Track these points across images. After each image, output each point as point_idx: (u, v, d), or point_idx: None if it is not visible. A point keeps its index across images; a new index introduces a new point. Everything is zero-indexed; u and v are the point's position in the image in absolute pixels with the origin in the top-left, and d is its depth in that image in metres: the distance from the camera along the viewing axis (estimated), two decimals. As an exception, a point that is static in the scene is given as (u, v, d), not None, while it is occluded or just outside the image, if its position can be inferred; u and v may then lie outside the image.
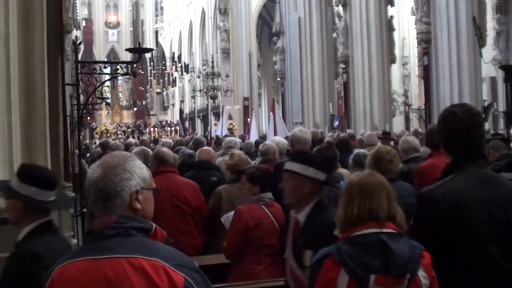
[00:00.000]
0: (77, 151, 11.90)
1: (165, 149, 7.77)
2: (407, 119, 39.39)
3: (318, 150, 6.35)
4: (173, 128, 46.90)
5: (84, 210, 9.00)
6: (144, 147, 10.29)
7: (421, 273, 3.14)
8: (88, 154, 17.76)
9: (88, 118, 39.66)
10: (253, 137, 19.17)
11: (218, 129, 23.27)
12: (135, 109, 65.51)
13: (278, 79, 33.29)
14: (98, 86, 8.67)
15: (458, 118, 3.61)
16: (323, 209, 4.42)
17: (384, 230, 3.18)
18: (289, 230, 4.74)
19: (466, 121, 3.57)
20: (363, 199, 3.27)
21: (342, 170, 7.85)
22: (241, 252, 5.65)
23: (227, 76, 38.83)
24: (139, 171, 2.58)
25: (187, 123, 40.84)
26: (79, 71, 8.45)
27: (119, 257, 2.37)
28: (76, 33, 26.83)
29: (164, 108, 68.31)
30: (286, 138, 10.59)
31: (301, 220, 4.45)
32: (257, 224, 5.63)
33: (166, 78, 57.27)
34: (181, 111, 44.01)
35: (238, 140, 11.85)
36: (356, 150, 7.86)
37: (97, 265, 2.37)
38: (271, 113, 17.56)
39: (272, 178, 5.99)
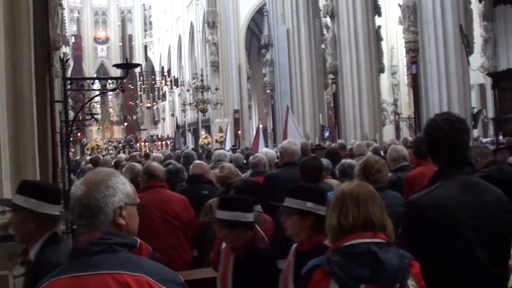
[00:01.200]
0: (67, 167, 11.86)
1: (155, 163, 7.74)
2: (397, 128, 39.52)
3: (304, 161, 6.35)
4: (163, 142, 46.90)
5: (75, 227, 8.96)
6: (132, 163, 10.27)
7: (410, 283, 3.13)
8: (79, 170, 17.71)
9: (79, 134, 39.58)
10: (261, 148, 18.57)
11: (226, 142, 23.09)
12: (125, 124, 65.46)
13: (268, 91, 33.33)
14: (86, 103, 8.67)
15: (438, 126, 3.65)
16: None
17: (374, 240, 3.18)
18: None
19: (445, 128, 3.61)
20: (356, 209, 3.26)
21: (332, 181, 7.85)
22: None
23: (216, 89, 38.90)
24: (122, 187, 2.58)
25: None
26: (67, 88, 8.44)
27: (103, 273, 2.36)
28: (65, 49, 26.83)
29: (155, 123, 68.36)
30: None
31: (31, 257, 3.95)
32: None
33: (156, 93, 57.25)
34: (178, 126, 44.02)
35: (228, 153, 11.87)
36: (342, 161, 7.89)
37: (82, 282, 2.36)
38: (285, 120, 17.48)
39: (260, 191, 5.98)
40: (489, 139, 21.88)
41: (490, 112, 24.47)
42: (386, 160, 7.66)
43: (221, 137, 38.14)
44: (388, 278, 3.07)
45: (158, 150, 37.75)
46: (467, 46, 18.08)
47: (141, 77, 55.14)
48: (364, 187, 3.40)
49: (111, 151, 43.14)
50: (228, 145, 21.82)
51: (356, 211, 3.25)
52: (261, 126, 16.90)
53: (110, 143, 51.47)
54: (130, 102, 66.18)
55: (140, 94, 61.28)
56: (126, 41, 8.17)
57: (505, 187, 3.91)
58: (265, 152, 9.67)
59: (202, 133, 45.77)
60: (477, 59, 24.62)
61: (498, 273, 3.49)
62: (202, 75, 38.51)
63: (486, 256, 3.43)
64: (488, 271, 3.43)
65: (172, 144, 48.08)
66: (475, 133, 22.78)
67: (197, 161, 9.32)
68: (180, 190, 7.82)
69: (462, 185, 3.56)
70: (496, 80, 16.32)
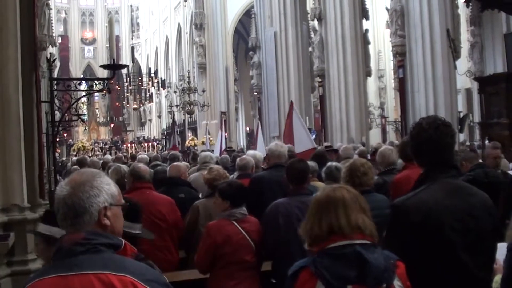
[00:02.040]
0: (53, 168, 11.82)
1: (141, 165, 7.74)
2: (383, 132, 39.60)
3: (291, 163, 6.36)
4: (150, 144, 46.80)
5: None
6: (118, 164, 10.25)
7: (396, 283, 3.14)
8: (64, 171, 17.64)
9: (65, 135, 39.44)
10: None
11: (217, 145, 22.31)
12: (112, 125, 65.32)
13: (255, 93, 33.36)
14: (73, 103, 8.63)
15: (423, 129, 3.67)
16: None
17: (359, 242, 3.19)
18: None
19: (430, 131, 3.64)
20: (334, 212, 3.27)
21: (318, 183, 7.87)
22: (213, 267, 5.64)
23: (203, 91, 38.87)
24: (107, 188, 2.58)
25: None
26: (53, 88, 8.42)
27: (88, 273, 2.36)
28: (52, 50, 26.73)
29: (141, 124, 68.20)
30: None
31: None
32: (226, 240, 5.60)
33: (143, 94, 57.18)
34: (174, 122, 43.73)
35: (214, 155, 11.86)
36: (329, 163, 7.91)
37: (66, 282, 2.36)
38: (287, 116, 15.94)
39: (245, 194, 5.99)
40: (475, 143, 22.00)
41: (476, 117, 24.58)
42: (374, 162, 7.71)
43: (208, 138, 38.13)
44: (375, 278, 3.08)
45: (145, 151, 37.64)
46: (454, 50, 18.16)
47: (128, 79, 55.05)
48: (344, 190, 3.39)
49: (97, 153, 42.99)
50: (219, 148, 21.37)
51: (335, 214, 3.26)
52: (259, 122, 16.53)
53: (96, 144, 51.28)
54: (117, 104, 66.08)
55: (127, 95, 61.20)
56: (113, 42, 8.14)
57: (491, 191, 3.94)
58: (253, 154, 9.67)
59: (189, 135, 45.68)
60: (463, 63, 24.75)
61: (483, 277, 3.51)
62: (189, 77, 38.44)
63: (471, 259, 3.44)
64: (473, 274, 3.45)
65: (159, 145, 48.05)
66: (462, 137, 22.90)
67: (175, 163, 9.31)
68: (159, 191, 7.79)
69: (447, 188, 3.57)
70: (483, 85, 16.39)
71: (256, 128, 16.08)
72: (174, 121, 42.88)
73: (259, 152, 10.76)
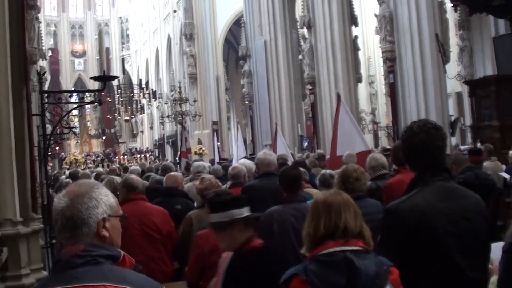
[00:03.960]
0: (45, 182, 11.79)
1: (133, 176, 7.72)
2: (375, 137, 39.73)
3: (284, 170, 6.37)
4: (143, 155, 46.74)
5: (54, 241, 8.89)
6: (112, 176, 10.23)
7: (389, 289, 3.16)
8: (57, 185, 17.60)
9: (57, 148, 39.33)
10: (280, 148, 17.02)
11: (234, 152, 20.75)
12: (104, 137, 65.22)
13: (246, 102, 33.38)
14: (64, 116, 8.63)
15: (414, 133, 3.69)
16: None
17: (351, 248, 3.19)
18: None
19: (421, 134, 3.65)
20: (328, 217, 3.29)
21: (311, 190, 7.89)
22: (204, 277, 5.60)
23: (195, 101, 38.86)
24: (106, 199, 2.58)
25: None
26: (44, 101, 8.40)
27: (87, 286, 2.34)
28: (42, 63, 26.71)
29: (133, 135, 68.08)
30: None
31: None
32: (213, 249, 5.54)
33: (134, 105, 57.12)
34: (183, 128, 43.53)
35: (206, 164, 11.85)
36: (322, 171, 7.93)
37: None
38: (336, 110, 12.98)
39: None
40: (467, 146, 22.04)
41: (468, 120, 24.64)
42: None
43: (200, 149, 38.10)
44: (365, 285, 3.10)
45: (137, 163, 37.57)
46: (443, 55, 18.21)
47: (119, 90, 55.03)
48: (338, 196, 3.42)
49: (89, 165, 42.91)
50: (239, 154, 20.18)
51: (328, 220, 3.28)
52: (278, 127, 15.87)
53: (88, 157, 51.22)
54: (108, 116, 65.96)
55: (118, 107, 61.16)
56: (103, 54, 8.15)
57: (481, 193, 3.95)
58: (243, 162, 9.69)
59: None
60: (453, 67, 24.80)
61: (478, 278, 3.51)
62: (180, 87, 38.43)
63: (466, 261, 3.45)
64: (468, 276, 3.45)
65: (151, 156, 47.93)
66: (453, 140, 22.95)
67: (171, 173, 9.26)
68: (155, 202, 7.77)
69: (440, 191, 3.58)
70: (473, 88, 16.48)
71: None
72: (183, 126, 42.65)
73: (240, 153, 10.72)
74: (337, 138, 12.41)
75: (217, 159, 26.01)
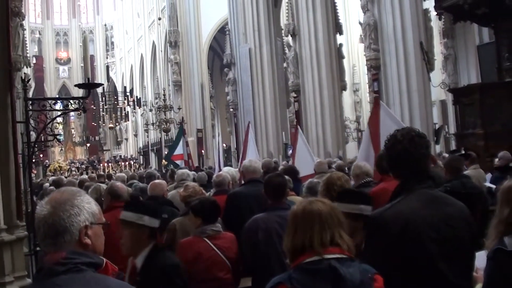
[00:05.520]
0: (29, 189, 11.73)
1: (118, 183, 7.69)
2: (360, 145, 39.74)
3: (268, 178, 6.37)
4: (127, 163, 46.56)
5: (38, 249, 8.84)
6: (98, 184, 10.19)
7: (374, 297, 3.16)
8: (40, 192, 17.50)
9: (41, 155, 39.12)
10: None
11: (248, 153, 18.01)
12: (88, 145, 64.90)
13: (231, 109, 33.41)
14: (48, 123, 8.59)
15: (398, 141, 3.70)
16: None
17: (334, 256, 3.19)
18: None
19: (405, 142, 3.67)
20: (309, 226, 3.26)
21: (295, 198, 7.88)
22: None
23: (179, 108, 38.81)
24: (88, 206, 2.57)
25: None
26: (28, 109, 8.37)
27: None
28: (26, 71, 26.59)
29: (118, 143, 67.83)
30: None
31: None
32: (196, 257, 5.56)
33: (118, 113, 56.88)
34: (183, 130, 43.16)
35: (191, 172, 11.83)
36: (310, 179, 7.94)
37: None
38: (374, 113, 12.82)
39: (217, 210, 5.98)
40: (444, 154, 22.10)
41: (452, 128, 24.75)
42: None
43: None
44: (349, 293, 3.10)
45: (122, 170, 37.44)
46: (428, 63, 18.32)
47: (104, 98, 54.77)
48: (320, 203, 3.37)
49: (74, 172, 42.70)
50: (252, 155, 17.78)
51: (308, 229, 3.25)
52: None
53: (72, 164, 50.98)
54: (93, 123, 65.66)
55: (103, 114, 60.87)
56: (88, 61, 8.13)
57: (468, 202, 3.97)
58: (227, 170, 9.69)
59: (166, 153, 45.56)
60: (438, 75, 24.95)
61: (462, 285, 3.52)
62: (164, 95, 38.40)
63: (449, 268, 3.46)
64: (452, 283, 3.46)
65: (136, 163, 47.73)
66: (438, 148, 23.04)
67: (156, 181, 9.22)
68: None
69: (424, 199, 3.59)
70: (457, 96, 16.50)
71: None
72: (184, 129, 42.41)
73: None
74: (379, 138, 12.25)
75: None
